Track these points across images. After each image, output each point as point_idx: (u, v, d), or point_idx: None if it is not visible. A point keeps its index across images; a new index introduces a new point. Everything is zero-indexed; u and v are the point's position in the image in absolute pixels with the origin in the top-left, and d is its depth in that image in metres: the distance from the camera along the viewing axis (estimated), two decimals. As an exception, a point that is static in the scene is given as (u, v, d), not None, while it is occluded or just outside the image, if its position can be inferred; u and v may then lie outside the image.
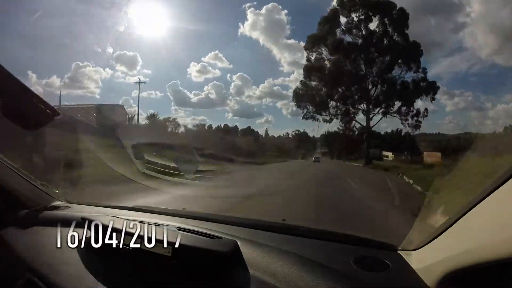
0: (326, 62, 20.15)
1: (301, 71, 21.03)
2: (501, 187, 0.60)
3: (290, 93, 22.85)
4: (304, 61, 20.79)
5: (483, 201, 0.65)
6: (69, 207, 1.53)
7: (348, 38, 19.71)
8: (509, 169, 0.58)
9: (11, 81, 0.95)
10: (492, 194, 0.63)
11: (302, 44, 21.31)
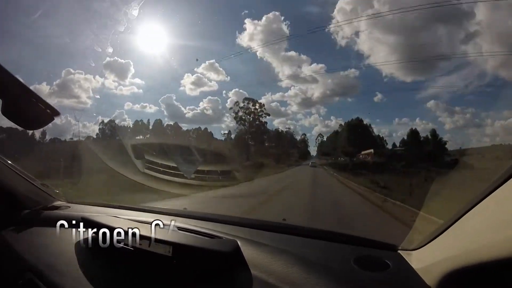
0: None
1: (300, 86, 20.05)
2: (500, 187, 0.61)
3: (289, 110, 21.70)
4: (303, 75, 19.69)
5: (483, 201, 0.65)
6: (69, 207, 1.53)
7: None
8: (508, 170, 0.59)
9: (11, 80, 0.95)
10: (491, 194, 0.63)
11: (303, 57, 20.57)
